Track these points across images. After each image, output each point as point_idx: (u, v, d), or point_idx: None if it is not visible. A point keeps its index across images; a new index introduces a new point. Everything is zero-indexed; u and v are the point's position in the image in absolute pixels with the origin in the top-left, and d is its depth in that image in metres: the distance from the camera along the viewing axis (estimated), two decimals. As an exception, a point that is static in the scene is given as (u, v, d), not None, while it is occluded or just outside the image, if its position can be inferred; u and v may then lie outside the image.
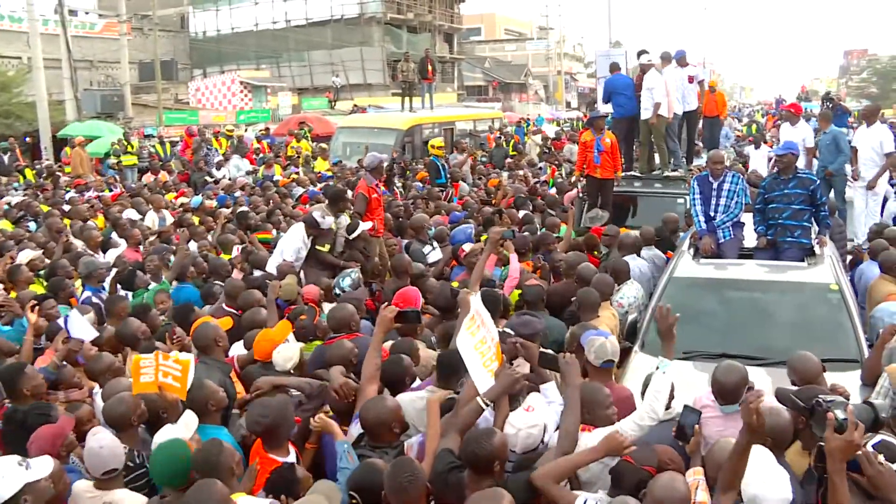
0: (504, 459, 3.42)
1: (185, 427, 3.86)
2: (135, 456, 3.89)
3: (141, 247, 8.86)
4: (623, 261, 7.29)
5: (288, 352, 4.83)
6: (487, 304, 5.34)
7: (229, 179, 15.41)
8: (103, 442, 3.64)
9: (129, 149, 18.60)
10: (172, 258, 8.15)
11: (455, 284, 6.42)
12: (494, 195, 12.57)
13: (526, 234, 8.43)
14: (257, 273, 7.45)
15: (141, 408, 4.08)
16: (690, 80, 11.32)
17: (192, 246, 8.62)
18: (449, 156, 16.22)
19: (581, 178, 10.27)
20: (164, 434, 3.79)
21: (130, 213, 10.87)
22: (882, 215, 9.77)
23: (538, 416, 3.74)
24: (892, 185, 10.80)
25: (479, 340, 3.77)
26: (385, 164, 9.81)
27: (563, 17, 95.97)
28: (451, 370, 4.18)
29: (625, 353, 5.58)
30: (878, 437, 3.12)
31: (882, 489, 2.89)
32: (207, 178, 15.70)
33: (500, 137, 20.77)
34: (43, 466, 3.30)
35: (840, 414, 2.82)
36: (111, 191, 14.05)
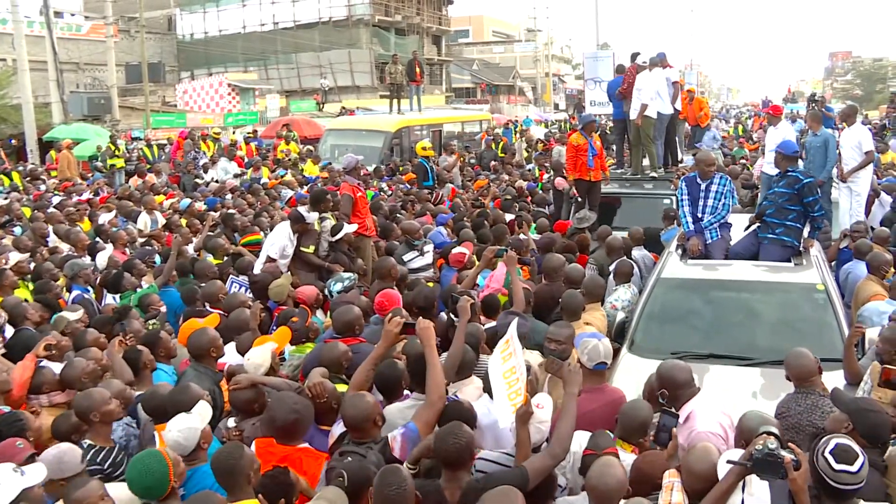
0: (476, 448, 3.46)
1: (198, 417, 3.82)
2: (94, 451, 3.94)
3: (128, 249, 8.82)
4: (627, 262, 7.33)
5: (258, 357, 4.76)
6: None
7: (217, 182, 15.35)
8: (56, 451, 3.64)
9: (116, 152, 18.49)
10: (158, 259, 8.12)
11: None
12: (483, 196, 12.58)
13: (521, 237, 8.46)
14: (242, 278, 7.41)
15: (107, 406, 4.09)
16: None
17: (189, 248, 8.60)
18: (438, 158, 16.23)
19: (572, 183, 10.35)
20: (178, 422, 3.74)
21: (107, 217, 10.77)
22: (867, 216, 9.86)
23: (547, 413, 3.77)
24: (880, 185, 10.92)
25: (508, 369, 3.69)
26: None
27: (550, 19, 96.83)
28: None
29: (613, 354, 5.61)
30: (833, 441, 3.17)
31: None
32: (197, 181, 15.65)
33: (489, 139, 20.83)
34: (37, 473, 3.31)
35: (789, 455, 3.12)
36: (98, 195, 13.96)
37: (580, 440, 3.79)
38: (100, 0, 32.07)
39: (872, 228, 8.82)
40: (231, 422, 4.33)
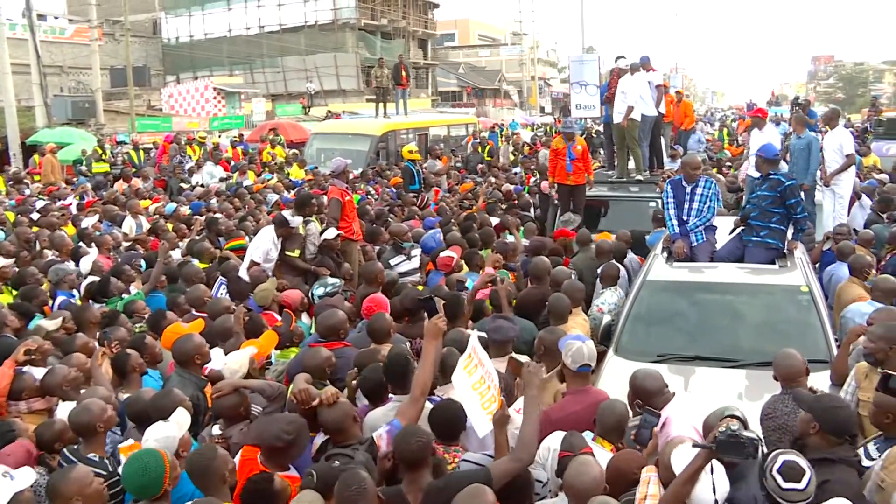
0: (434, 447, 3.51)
1: (176, 425, 3.82)
2: (106, 464, 3.85)
3: (112, 253, 8.75)
4: (613, 265, 7.34)
5: (235, 363, 4.73)
6: (449, 306, 5.43)
7: (202, 186, 15.28)
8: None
9: (104, 156, 18.36)
10: (143, 263, 8.06)
11: None
12: (471, 199, 12.58)
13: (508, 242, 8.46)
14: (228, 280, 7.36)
15: (107, 414, 4.04)
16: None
17: (175, 253, 8.54)
18: (427, 163, 16.22)
19: (553, 185, 10.39)
20: (155, 431, 3.75)
21: (90, 221, 10.69)
22: (848, 217, 9.94)
23: None
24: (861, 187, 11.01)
25: (476, 380, 3.67)
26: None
27: (536, 22, 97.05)
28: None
29: (599, 357, 5.62)
30: (780, 459, 3.18)
31: None
32: (183, 185, 15.57)
33: (476, 142, 20.85)
34: (26, 477, 3.35)
35: (753, 435, 3.10)
36: (82, 199, 13.85)
37: (555, 443, 3.80)
38: (84, 3, 31.87)
39: (855, 231, 8.90)
40: (216, 429, 4.31)
